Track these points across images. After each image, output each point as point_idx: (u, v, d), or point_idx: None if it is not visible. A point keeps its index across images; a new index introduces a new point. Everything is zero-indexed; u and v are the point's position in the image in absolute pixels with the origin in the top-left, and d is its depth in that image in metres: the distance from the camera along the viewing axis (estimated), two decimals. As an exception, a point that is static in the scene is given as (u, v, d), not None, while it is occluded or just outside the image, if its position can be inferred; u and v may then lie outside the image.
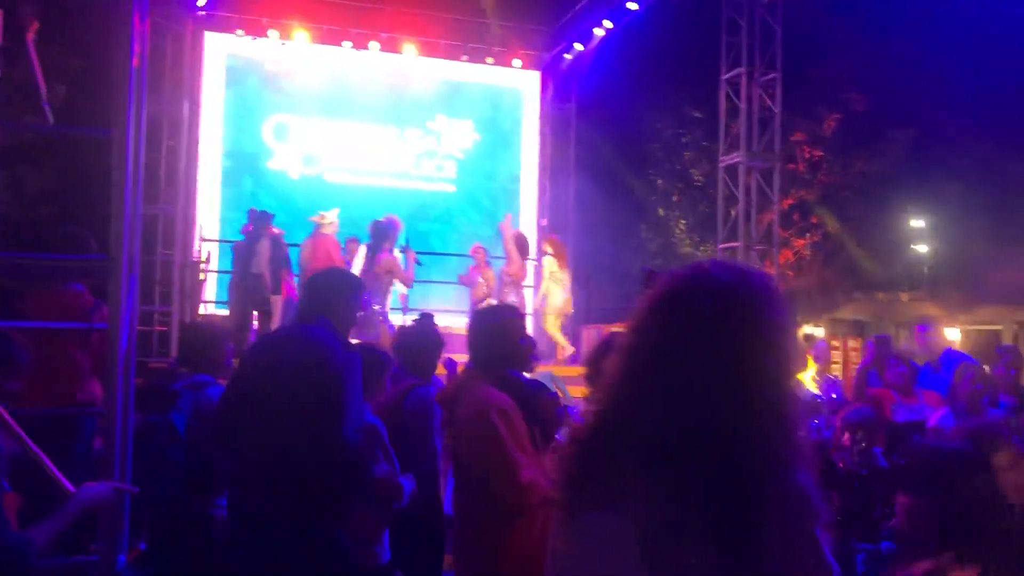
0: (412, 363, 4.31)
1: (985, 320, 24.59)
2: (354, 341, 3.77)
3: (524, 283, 9.90)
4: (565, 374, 8.03)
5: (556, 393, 3.85)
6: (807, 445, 1.39)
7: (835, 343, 13.77)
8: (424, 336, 4.56)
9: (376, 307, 8.35)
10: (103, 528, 3.08)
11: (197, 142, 12.34)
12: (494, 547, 3.07)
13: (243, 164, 13.02)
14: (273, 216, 9.54)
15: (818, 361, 8.85)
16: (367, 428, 3.39)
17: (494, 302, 9.08)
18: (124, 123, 3.07)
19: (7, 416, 2.80)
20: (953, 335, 24.72)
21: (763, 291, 1.38)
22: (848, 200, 22.49)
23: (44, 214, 15.63)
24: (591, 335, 12.29)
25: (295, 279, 9.84)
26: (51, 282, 4.74)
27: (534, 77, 14.62)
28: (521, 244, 9.65)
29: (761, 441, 1.29)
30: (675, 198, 23.16)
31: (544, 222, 14.66)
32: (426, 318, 5.01)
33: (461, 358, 4.35)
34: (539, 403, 3.24)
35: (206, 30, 12.59)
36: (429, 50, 13.52)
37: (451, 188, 14.02)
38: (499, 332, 3.30)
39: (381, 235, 8.74)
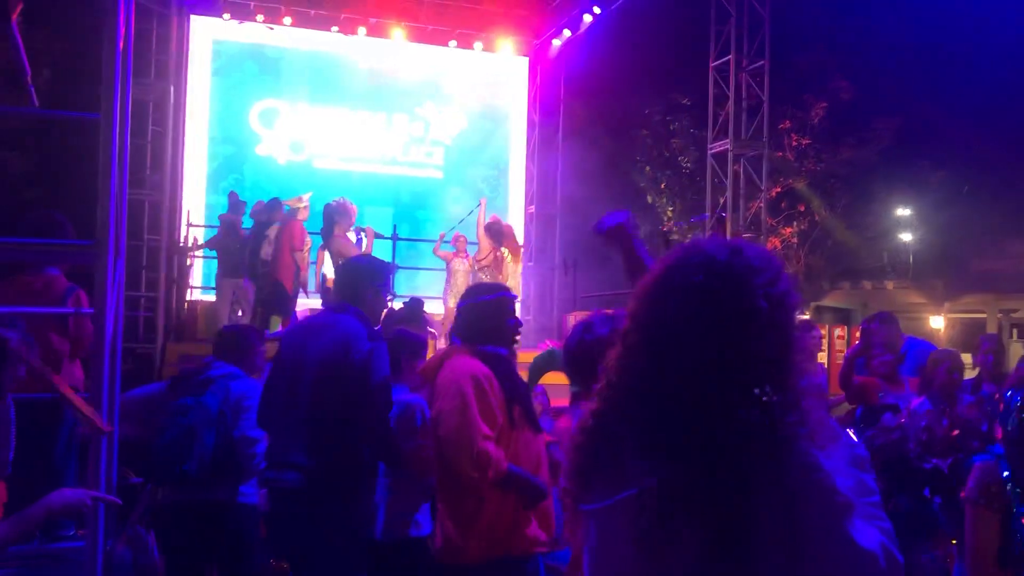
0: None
1: (969, 308, 24.77)
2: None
3: (502, 270, 9.56)
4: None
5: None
6: (826, 425, 1.30)
7: (821, 331, 13.82)
8: (411, 320, 4.59)
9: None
10: (89, 512, 3.07)
11: (183, 127, 12.24)
12: (461, 518, 3.06)
13: (230, 150, 12.94)
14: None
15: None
16: (402, 406, 3.60)
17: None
18: (111, 107, 3.05)
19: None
20: (937, 323, 24.92)
21: (758, 264, 1.32)
22: (835, 188, 22.53)
23: (27, 197, 15.50)
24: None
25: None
26: (31, 267, 4.71)
27: (523, 63, 14.58)
28: (494, 232, 9.52)
29: (760, 421, 1.23)
30: (662, 185, 23.17)
31: (532, 209, 14.65)
32: (415, 303, 5.01)
33: None
34: (520, 382, 3.25)
35: (192, 13, 12.47)
36: (417, 36, 13.46)
37: (439, 175, 13.98)
38: (489, 308, 3.30)
39: (330, 219, 8.49)
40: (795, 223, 22.09)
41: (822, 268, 23.52)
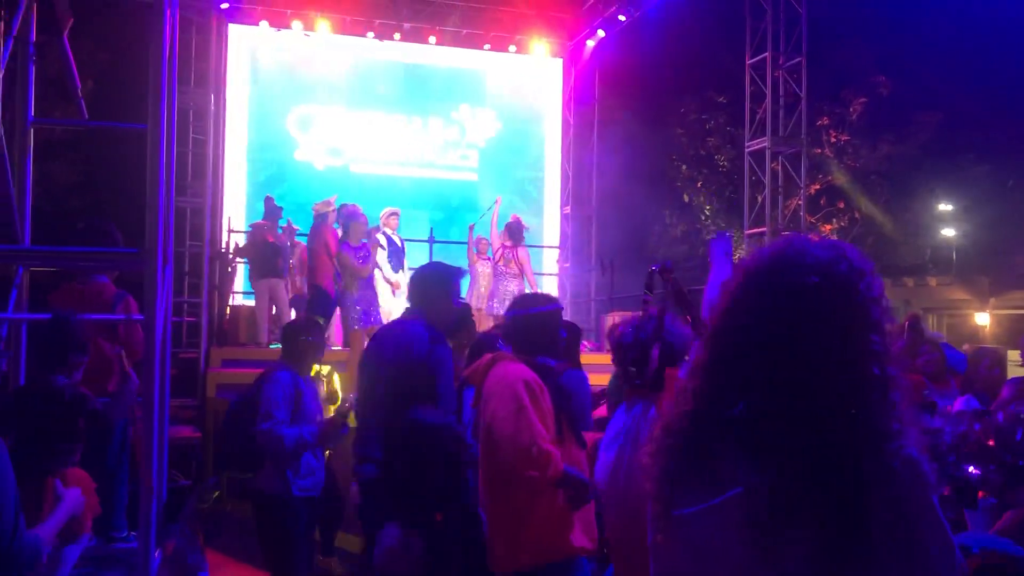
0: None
1: (1016, 304, 24.27)
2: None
3: (525, 272, 9.46)
4: (591, 362, 7.92)
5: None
6: (914, 419, 1.34)
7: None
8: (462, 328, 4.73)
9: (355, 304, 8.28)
10: (143, 512, 3.14)
11: (223, 134, 12.42)
12: (508, 527, 3.07)
13: (269, 155, 13.10)
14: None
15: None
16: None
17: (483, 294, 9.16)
18: (158, 118, 3.11)
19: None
20: (983, 320, 24.44)
21: (861, 266, 1.35)
22: (875, 184, 22.23)
23: (73, 206, 15.83)
24: (615, 322, 12.20)
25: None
26: (82, 274, 4.82)
27: (557, 64, 14.58)
28: (514, 230, 9.47)
29: (866, 418, 1.27)
30: (699, 184, 23.04)
31: (567, 209, 14.63)
32: (464, 309, 5.05)
33: None
34: (568, 394, 3.26)
35: (230, 22, 12.66)
36: (451, 40, 13.53)
37: (474, 177, 14.03)
38: (543, 320, 3.35)
39: (341, 226, 8.63)
40: (835, 220, 21.84)
41: (863, 265, 23.21)
